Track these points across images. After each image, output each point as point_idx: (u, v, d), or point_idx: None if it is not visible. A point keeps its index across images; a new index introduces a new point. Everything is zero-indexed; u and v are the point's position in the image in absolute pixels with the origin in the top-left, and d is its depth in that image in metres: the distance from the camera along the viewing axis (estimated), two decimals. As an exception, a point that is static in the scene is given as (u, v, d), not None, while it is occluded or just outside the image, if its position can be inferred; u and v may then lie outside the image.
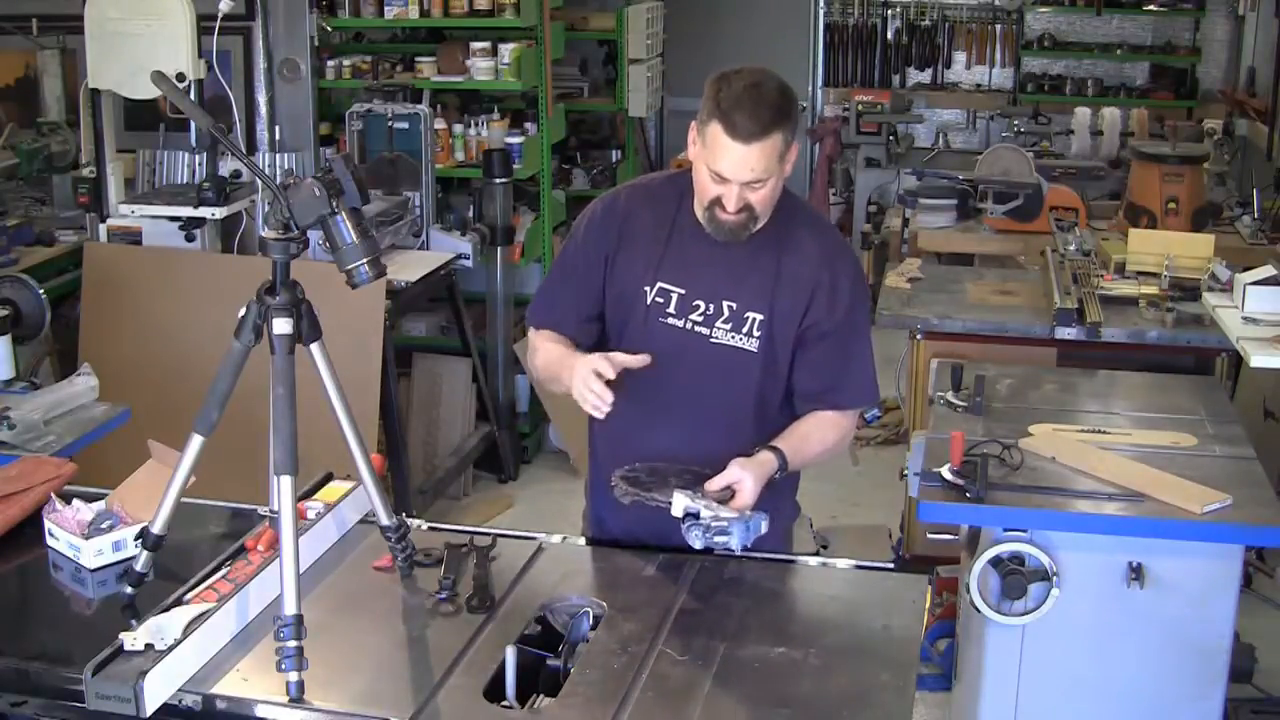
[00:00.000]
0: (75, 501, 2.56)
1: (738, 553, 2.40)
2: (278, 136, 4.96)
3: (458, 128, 6.03)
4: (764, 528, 2.39)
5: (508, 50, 5.84)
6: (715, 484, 2.42)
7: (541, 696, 2.23)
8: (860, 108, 7.93)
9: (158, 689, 2.06)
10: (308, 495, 2.61)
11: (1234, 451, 3.21)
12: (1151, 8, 8.91)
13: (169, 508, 2.32)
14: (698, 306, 2.56)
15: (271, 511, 2.43)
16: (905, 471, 3.49)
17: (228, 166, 4.70)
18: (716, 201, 2.45)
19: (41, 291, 4.07)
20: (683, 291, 2.57)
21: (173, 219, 4.67)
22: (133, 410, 3.50)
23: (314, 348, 2.28)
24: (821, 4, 9.36)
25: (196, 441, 2.28)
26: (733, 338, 2.56)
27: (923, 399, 4.02)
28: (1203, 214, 5.27)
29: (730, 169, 2.40)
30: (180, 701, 2.10)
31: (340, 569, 2.51)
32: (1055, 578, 2.91)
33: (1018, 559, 2.91)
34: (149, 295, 4.69)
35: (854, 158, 8.07)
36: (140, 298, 4.69)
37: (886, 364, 5.01)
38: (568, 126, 6.85)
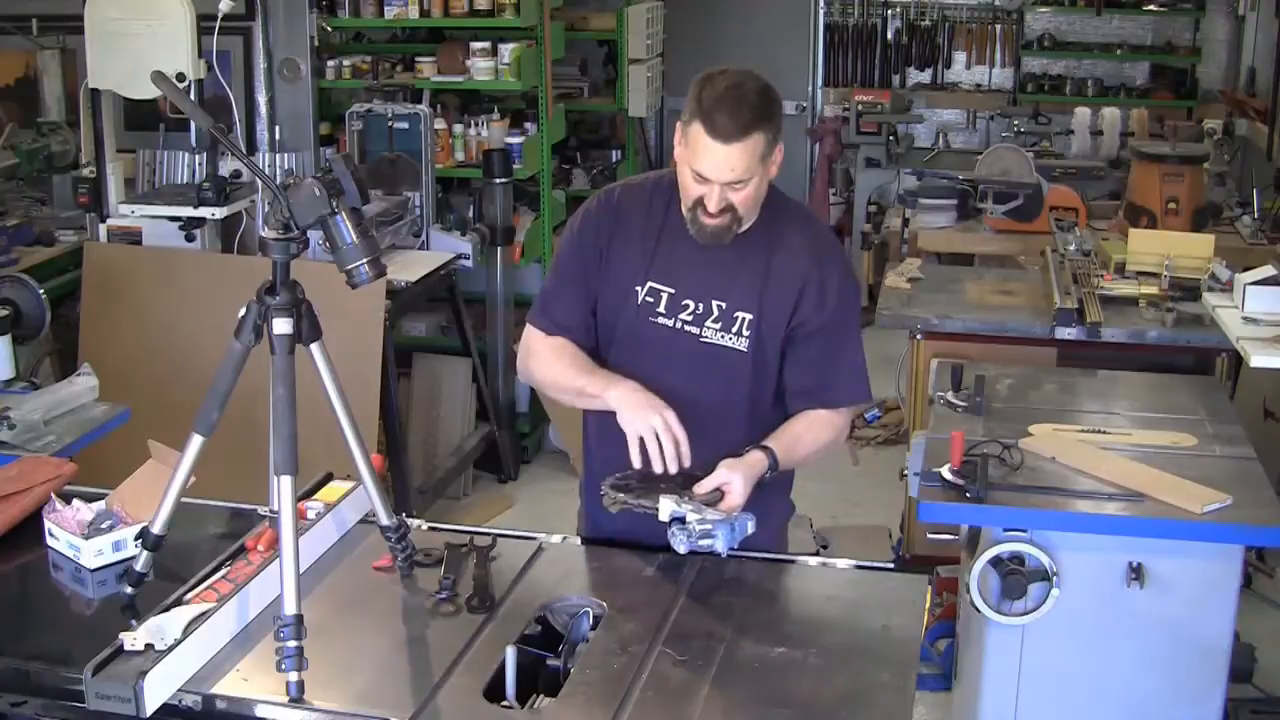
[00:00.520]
0: (75, 501, 2.56)
1: (723, 555, 2.39)
2: (278, 136, 4.96)
3: (458, 128, 6.03)
4: (750, 528, 2.39)
5: (508, 50, 5.84)
6: (704, 486, 2.42)
7: (541, 696, 2.23)
8: (860, 108, 7.93)
9: (158, 689, 2.06)
10: (308, 495, 2.61)
11: (1234, 451, 3.21)
12: (1151, 8, 8.90)
13: (169, 508, 2.32)
14: (687, 306, 2.56)
15: (271, 511, 2.43)
16: (905, 471, 3.49)
17: (228, 166, 4.70)
18: (699, 203, 2.45)
19: (41, 291, 4.07)
20: (672, 291, 2.57)
21: (173, 219, 4.67)
22: (133, 410, 3.50)
23: (314, 348, 2.28)
24: (821, 4, 9.36)
25: (196, 441, 2.28)
26: (723, 337, 2.56)
27: (923, 399, 4.02)
28: (1203, 214, 5.27)
29: (711, 169, 2.40)
30: (180, 701, 2.09)
31: (340, 569, 2.51)
32: (1055, 578, 2.91)
33: (1018, 559, 2.91)
34: (149, 295, 4.69)
35: (854, 158, 8.07)
36: (140, 298, 4.69)
37: (886, 364, 5.04)
38: (568, 126, 6.85)
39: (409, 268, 4.98)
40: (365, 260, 2.21)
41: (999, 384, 3.66)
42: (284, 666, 2.07)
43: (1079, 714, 3.06)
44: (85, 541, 2.46)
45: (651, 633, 2.27)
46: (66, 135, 5.13)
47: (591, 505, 2.78)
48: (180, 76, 4.27)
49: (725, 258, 2.54)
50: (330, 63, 6.12)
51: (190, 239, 4.69)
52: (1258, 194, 5.65)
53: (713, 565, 2.52)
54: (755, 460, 2.49)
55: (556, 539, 2.65)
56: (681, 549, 2.37)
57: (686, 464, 2.43)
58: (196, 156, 4.78)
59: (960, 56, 9.38)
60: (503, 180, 5.56)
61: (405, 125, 5.32)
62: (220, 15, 4.42)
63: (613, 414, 2.48)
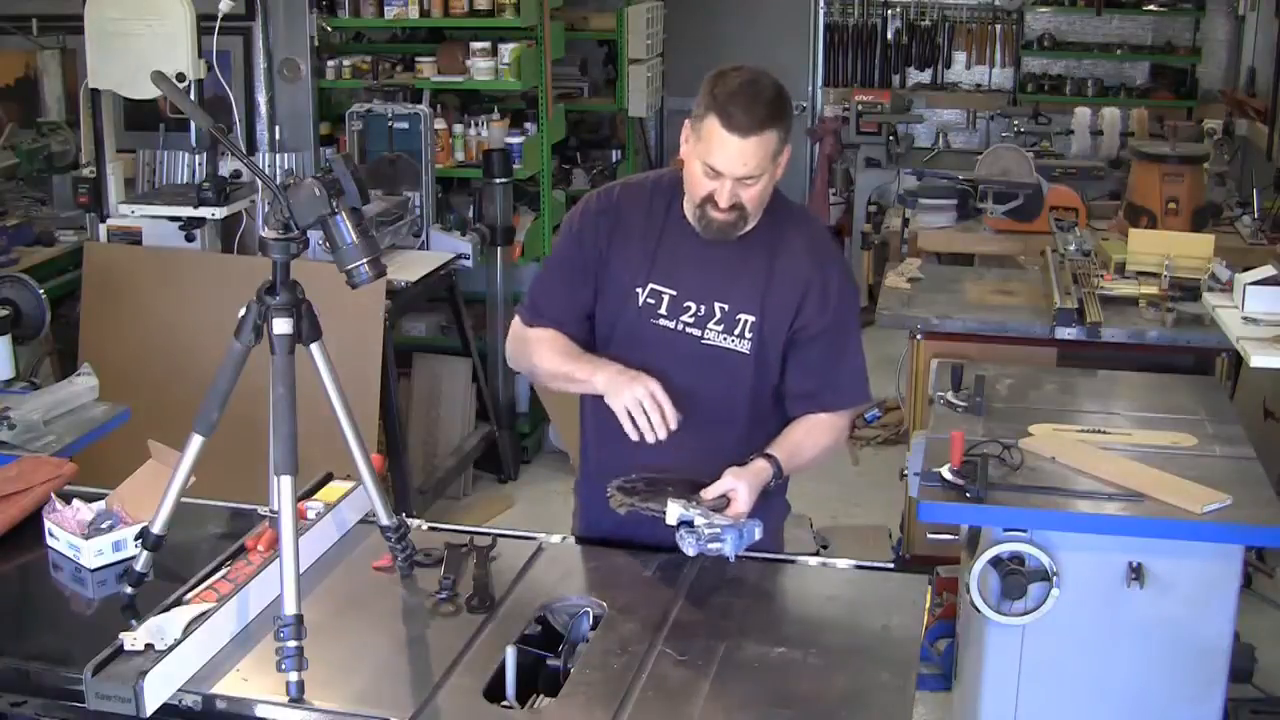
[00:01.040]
0: (75, 501, 2.56)
1: (731, 560, 2.40)
2: (278, 136, 4.96)
3: (458, 128, 6.03)
4: (758, 535, 2.39)
5: (508, 50, 5.84)
6: (710, 492, 2.42)
7: (541, 696, 2.23)
8: (860, 108, 7.93)
9: (158, 689, 2.06)
10: (308, 495, 2.61)
11: (1234, 451, 3.21)
12: (1151, 8, 8.90)
13: (169, 508, 2.32)
14: (689, 308, 2.56)
15: (271, 511, 2.43)
16: (905, 471, 3.49)
17: (228, 166, 4.70)
18: (709, 198, 2.44)
19: (41, 291, 4.07)
20: (674, 293, 2.56)
21: (173, 219, 4.67)
22: (133, 410, 3.50)
23: (314, 348, 2.28)
24: (821, 4, 9.36)
25: (196, 441, 2.28)
26: (724, 339, 2.55)
27: (923, 399, 4.02)
28: (1203, 214, 5.27)
29: (725, 163, 2.40)
30: (180, 701, 2.10)
31: (340, 569, 2.51)
32: (1055, 578, 2.91)
33: (1018, 559, 2.91)
34: (149, 295, 4.69)
35: (854, 158, 8.07)
36: (140, 298, 4.69)
37: (886, 364, 5.04)
38: (568, 126, 6.85)
39: (409, 268, 4.98)
40: (365, 260, 2.21)
41: (999, 384, 3.66)
42: (284, 666, 2.07)
43: (1079, 714, 3.06)
44: (85, 541, 2.46)
45: (651, 633, 2.27)
46: (66, 135, 5.13)
47: (586, 504, 2.79)
48: (180, 76, 4.27)
49: (727, 259, 2.54)
50: (330, 63, 6.12)
51: (190, 239, 4.69)
52: (1258, 194, 5.65)
53: (713, 565, 2.52)
54: (760, 469, 2.49)
55: (556, 539, 2.65)
56: (690, 551, 2.37)
57: (674, 427, 2.42)
58: (196, 156, 4.78)
59: (960, 56, 9.38)
60: (503, 180, 5.56)
61: (405, 125, 5.32)
62: (220, 15, 4.42)
63: (610, 414, 2.48)
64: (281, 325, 2.20)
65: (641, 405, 2.43)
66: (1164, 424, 3.37)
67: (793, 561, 2.63)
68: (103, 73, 4.44)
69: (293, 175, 4.84)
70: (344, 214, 2.19)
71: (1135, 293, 4.36)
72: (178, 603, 2.22)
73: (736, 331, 2.55)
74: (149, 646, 2.10)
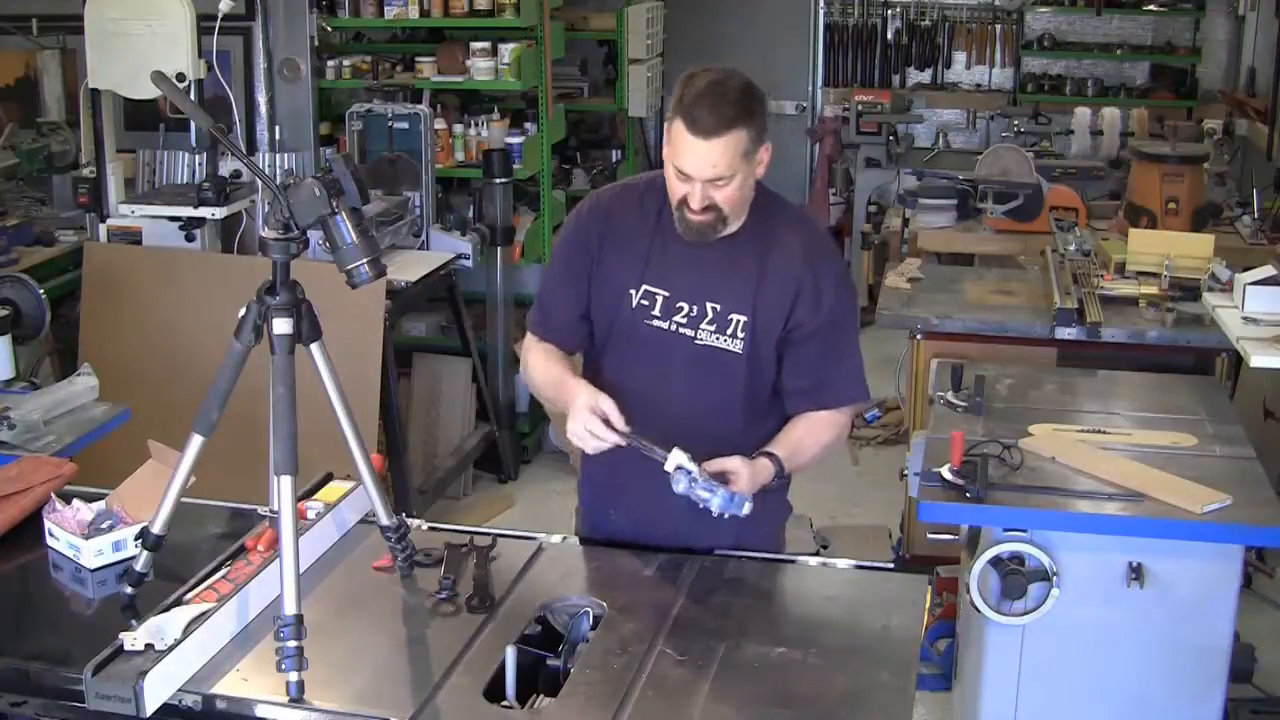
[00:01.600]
0: (75, 501, 2.56)
1: (714, 515, 2.37)
2: (278, 136, 4.96)
3: (458, 128, 6.03)
4: (746, 509, 2.37)
5: (508, 50, 5.83)
6: (712, 465, 2.42)
7: (541, 696, 2.23)
8: (860, 108, 7.93)
9: (158, 689, 2.06)
10: (308, 495, 2.61)
11: (1234, 451, 3.21)
12: (1151, 8, 8.90)
13: (169, 508, 2.32)
14: (681, 308, 2.56)
15: (271, 511, 2.43)
16: (905, 471, 3.49)
17: (228, 166, 4.70)
18: (684, 201, 2.45)
19: (41, 291, 4.07)
20: (667, 293, 2.57)
21: (173, 219, 4.67)
22: (133, 410, 3.50)
23: (314, 348, 2.28)
24: (821, 4, 9.35)
25: (196, 441, 2.28)
26: (717, 339, 2.56)
27: (923, 399, 4.02)
28: (1203, 214, 5.27)
29: (692, 165, 2.40)
30: (180, 701, 2.10)
31: (340, 569, 2.51)
32: (1055, 578, 2.91)
33: (1018, 559, 2.91)
34: (149, 295, 4.69)
35: (854, 158, 8.07)
36: (140, 298, 4.69)
37: (886, 364, 5.04)
38: (568, 126, 6.85)
39: (409, 268, 4.98)
40: (365, 260, 2.21)
41: (999, 384, 3.66)
42: (284, 666, 2.07)
43: (1079, 714, 3.06)
44: (85, 541, 2.46)
45: (651, 633, 2.27)
46: (66, 135, 5.13)
47: (589, 505, 2.79)
48: (180, 76, 4.27)
49: (719, 260, 2.54)
50: (330, 63, 6.11)
51: (190, 239, 4.69)
52: (1258, 194, 5.65)
53: (713, 565, 2.53)
54: (762, 466, 2.49)
55: (556, 539, 2.65)
56: (677, 488, 2.35)
57: (620, 426, 2.41)
58: (196, 156, 4.78)
59: (960, 56, 9.37)
60: (503, 180, 5.55)
61: (405, 125, 5.31)
62: (220, 15, 4.42)
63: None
64: (281, 325, 2.20)
65: (589, 428, 2.41)
66: (1164, 424, 3.37)
67: (793, 561, 2.63)
68: (103, 73, 4.44)
69: (293, 175, 4.84)
70: (344, 214, 2.19)
71: (1135, 293, 4.36)
72: (178, 603, 2.22)
73: (729, 331, 2.55)
74: (149, 646, 2.10)
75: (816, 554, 2.75)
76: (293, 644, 2.08)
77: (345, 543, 2.60)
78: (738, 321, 2.55)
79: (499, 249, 5.60)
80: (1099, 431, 3.29)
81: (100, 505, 2.56)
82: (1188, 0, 8.84)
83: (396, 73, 6.26)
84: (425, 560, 2.50)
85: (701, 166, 2.40)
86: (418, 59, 6.07)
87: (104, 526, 2.50)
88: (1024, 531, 2.92)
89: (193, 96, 4.27)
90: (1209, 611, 2.94)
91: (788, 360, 2.59)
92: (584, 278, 2.61)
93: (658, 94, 7.59)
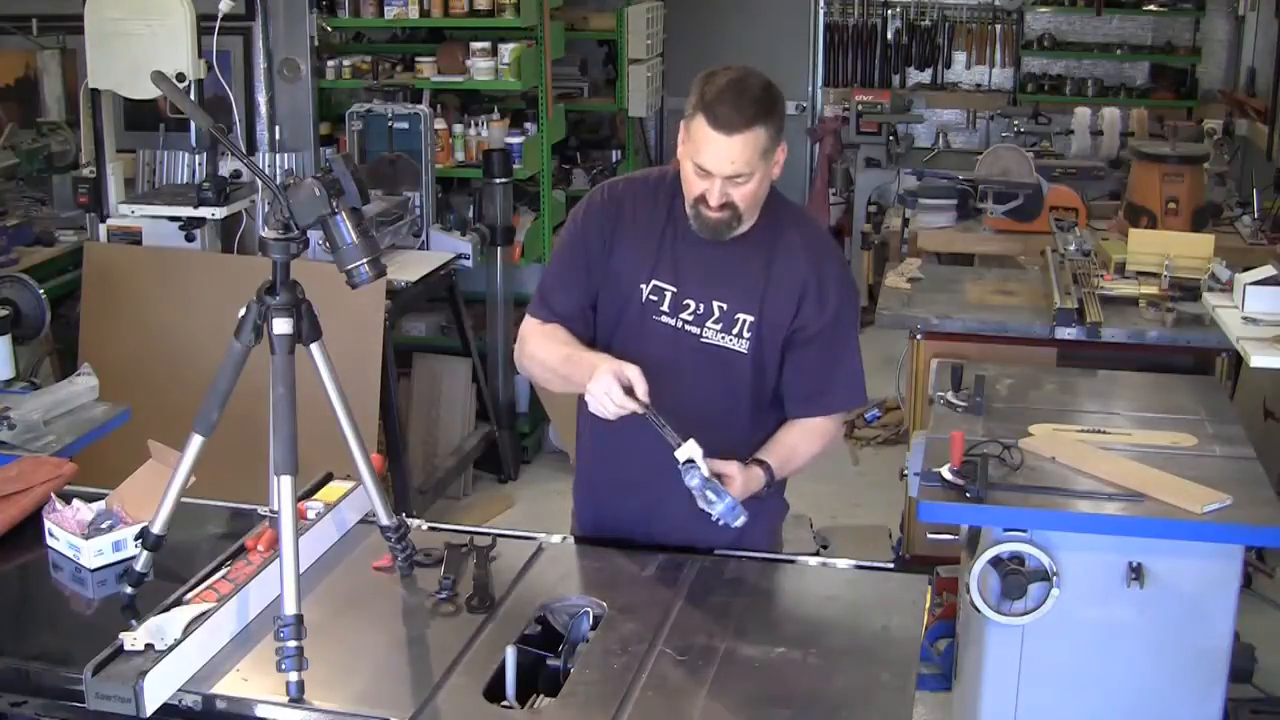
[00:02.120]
0: (75, 501, 2.56)
1: (714, 519, 2.38)
2: (278, 136, 4.96)
3: (458, 128, 6.03)
4: (741, 521, 2.38)
5: (508, 50, 5.83)
6: (713, 465, 2.41)
7: (541, 696, 2.23)
8: (860, 108, 7.93)
9: (158, 689, 2.06)
10: (308, 495, 2.61)
11: (1234, 451, 3.21)
12: (1151, 8, 8.90)
13: (169, 508, 2.32)
14: (688, 305, 2.56)
15: (271, 511, 2.43)
16: (905, 471, 3.49)
17: (228, 166, 4.70)
18: (701, 198, 2.45)
19: (41, 291, 4.07)
20: (675, 290, 2.56)
21: (173, 219, 4.67)
22: (133, 410, 3.50)
23: (314, 348, 2.28)
24: (821, 4, 9.35)
25: (196, 441, 2.28)
26: (723, 338, 2.56)
27: (923, 399, 4.02)
28: (1203, 214, 5.27)
29: (713, 162, 2.40)
30: (180, 701, 2.10)
31: (340, 569, 2.51)
32: (1055, 578, 2.91)
33: (1018, 559, 2.91)
34: (149, 295, 4.69)
35: (854, 158, 8.07)
36: (140, 298, 4.69)
37: (886, 364, 5.04)
38: (568, 126, 6.85)
39: (409, 268, 4.98)
40: (365, 260, 2.21)
41: (999, 384, 3.66)
42: (284, 666, 2.07)
43: (1079, 714, 3.06)
44: (85, 541, 2.46)
45: (651, 633, 2.27)
46: (66, 135, 5.13)
47: (583, 505, 2.79)
48: (180, 76, 4.27)
49: (727, 258, 2.54)
50: (330, 63, 6.11)
51: (190, 239, 4.69)
52: (1258, 194, 5.65)
53: (713, 565, 2.53)
54: (754, 475, 2.50)
55: (556, 539, 2.65)
56: (689, 482, 2.35)
57: (642, 396, 2.37)
58: (196, 156, 4.78)
59: (960, 56, 9.38)
60: (503, 180, 5.55)
61: (405, 125, 5.32)
62: (220, 15, 4.42)
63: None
64: (281, 325, 2.20)
65: (610, 395, 2.38)
66: (1164, 424, 3.37)
67: (793, 561, 2.63)
68: (103, 73, 4.44)
69: (293, 175, 4.84)
70: (344, 214, 2.19)
71: (1135, 293, 4.36)
72: (178, 603, 2.22)
73: (735, 331, 2.55)
74: (149, 646, 2.10)
75: (816, 554, 2.75)
76: (293, 644, 2.08)
77: (345, 543, 2.60)
78: (744, 321, 2.55)
79: (499, 249, 5.60)
80: (1099, 431, 3.29)
81: (100, 505, 2.56)
82: (1188, 0, 8.84)
83: (396, 73, 6.26)
84: (425, 560, 2.50)
85: (722, 163, 2.40)
86: (418, 59, 6.07)
87: (104, 526, 2.49)
88: (1024, 531, 2.92)
89: (193, 96, 4.27)
90: (1209, 611, 2.94)
91: (789, 363, 2.59)
92: (593, 267, 2.59)
93: (658, 94, 7.59)
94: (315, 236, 2.28)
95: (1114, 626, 2.97)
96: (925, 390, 3.94)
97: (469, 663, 2.20)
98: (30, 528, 2.59)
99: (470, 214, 5.58)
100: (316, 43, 5.03)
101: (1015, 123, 7.70)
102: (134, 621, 2.16)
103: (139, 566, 2.35)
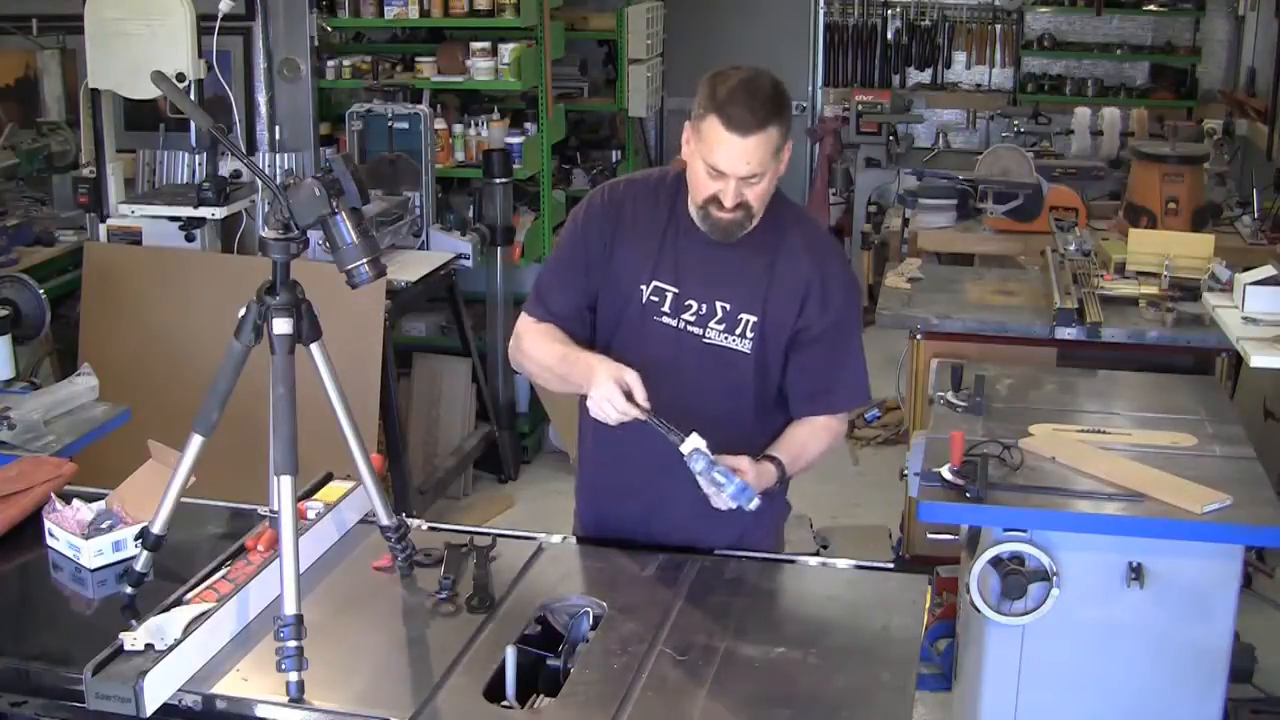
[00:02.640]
0: (75, 501, 2.56)
1: (721, 507, 2.38)
2: (278, 136, 4.96)
3: (458, 128, 6.03)
4: (755, 504, 2.37)
5: (508, 50, 5.84)
6: (724, 460, 2.41)
7: (541, 696, 2.23)
8: (860, 108, 7.93)
9: (158, 689, 2.06)
10: (308, 495, 2.61)
11: (1234, 451, 3.21)
12: (1151, 8, 8.90)
13: (169, 508, 2.32)
14: (690, 306, 2.56)
15: (271, 511, 2.43)
16: (905, 471, 3.49)
17: (228, 166, 4.70)
18: (713, 199, 2.44)
19: (41, 291, 4.07)
20: (676, 290, 2.56)
21: (173, 219, 4.67)
22: (133, 410, 3.50)
23: (314, 348, 2.28)
24: (821, 4, 9.36)
25: (196, 441, 2.28)
26: (725, 339, 2.56)
27: (923, 399, 4.02)
28: (1203, 214, 5.27)
29: (727, 163, 2.40)
30: (180, 701, 2.10)
31: (340, 569, 2.51)
32: (1055, 578, 2.91)
33: (1018, 559, 2.91)
34: (149, 295, 4.69)
35: (854, 158, 8.07)
36: (140, 298, 4.69)
37: (886, 364, 5.04)
38: (568, 126, 6.85)
39: (409, 268, 4.98)
40: (365, 260, 2.21)
41: (999, 384, 3.66)
42: (284, 666, 2.07)
43: (1079, 714, 3.06)
44: (85, 541, 2.46)
45: (651, 633, 2.27)
46: (66, 135, 5.13)
47: (586, 509, 2.79)
48: (180, 76, 4.27)
49: (729, 259, 2.54)
50: (330, 63, 6.12)
51: (190, 239, 4.69)
52: (1258, 194, 5.65)
53: (713, 565, 2.53)
54: (766, 470, 2.50)
55: (556, 539, 2.65)
56: (696, 468, 2.35)
57: (642, 401, 2.38)
58: (196, 156, 4.78)
59: (960, 56, 9.38)
60: (503, 180, 5.56)
61: (405, 125, 5.32)
62: (220, 15, 4.42)
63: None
64: (281, 325, 2.20)
65: (611, 401, 2.38)
66: (1164, 424, 3.37)
67: (793, 561, 2.63)
68: (103, 73, 4.44)
69: (293, 175, 4.84)
70: (344, 214, 2.19)
71: (1135, 293, 4.36)
72: (178, 603, 2.22)
73: (738, 331, 2.55)
74: (149, 646, 2.10)
75: (816, 554, 2.75)
76: (293, 644, 2.08)
77: (345, 543, 2.60)
78: (747, 322, 2.55)
79: (499, 249, 5.61)
80: (1099, 431, 3.29)
81: (100, 505, 2.55)
82: (1188, 0, 8.84)
83: (396, 73, 6.26)
84: (425, 560, 2.50)
85: (737, 164, 2.39)
86: (418, 59, 6.08)
87: (104, 526, 2.49)
88: (1024, 531, 2.92)
89: (193, 96, 4.27)
90: (1209, 611, 2.94)
91: (793, 363, 2.59)
92: (593, 269, 2.59)
93: (657, 94, 7.59)
94: (315, 236, 2.28)
95: (1114, 626, 2.97)
96: (925, 390, 3.94)
97: (469, 663, 2.20)
98: (30, 528, 2.59)
99: (470, 214, 5.58)
100: (316, 43, 5.03)
101: (1015, 123, 7.70)
102: (134, 621, 2.16)
103: (139, 566, 2.35)
